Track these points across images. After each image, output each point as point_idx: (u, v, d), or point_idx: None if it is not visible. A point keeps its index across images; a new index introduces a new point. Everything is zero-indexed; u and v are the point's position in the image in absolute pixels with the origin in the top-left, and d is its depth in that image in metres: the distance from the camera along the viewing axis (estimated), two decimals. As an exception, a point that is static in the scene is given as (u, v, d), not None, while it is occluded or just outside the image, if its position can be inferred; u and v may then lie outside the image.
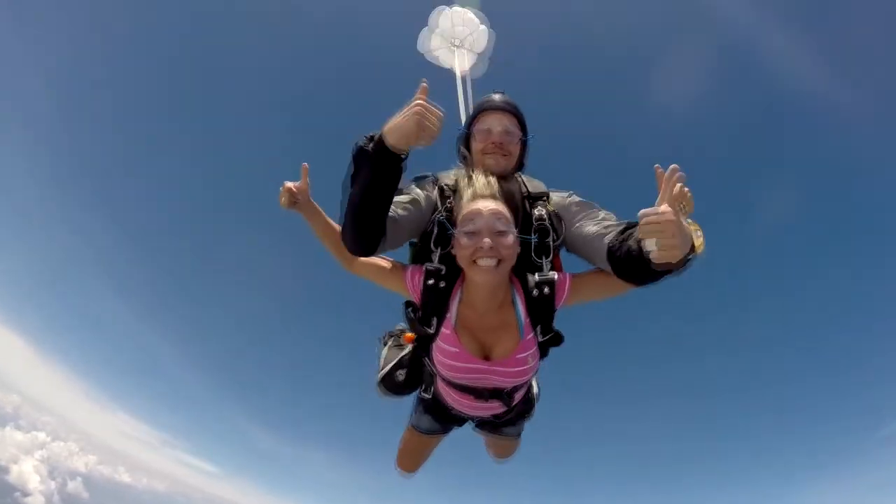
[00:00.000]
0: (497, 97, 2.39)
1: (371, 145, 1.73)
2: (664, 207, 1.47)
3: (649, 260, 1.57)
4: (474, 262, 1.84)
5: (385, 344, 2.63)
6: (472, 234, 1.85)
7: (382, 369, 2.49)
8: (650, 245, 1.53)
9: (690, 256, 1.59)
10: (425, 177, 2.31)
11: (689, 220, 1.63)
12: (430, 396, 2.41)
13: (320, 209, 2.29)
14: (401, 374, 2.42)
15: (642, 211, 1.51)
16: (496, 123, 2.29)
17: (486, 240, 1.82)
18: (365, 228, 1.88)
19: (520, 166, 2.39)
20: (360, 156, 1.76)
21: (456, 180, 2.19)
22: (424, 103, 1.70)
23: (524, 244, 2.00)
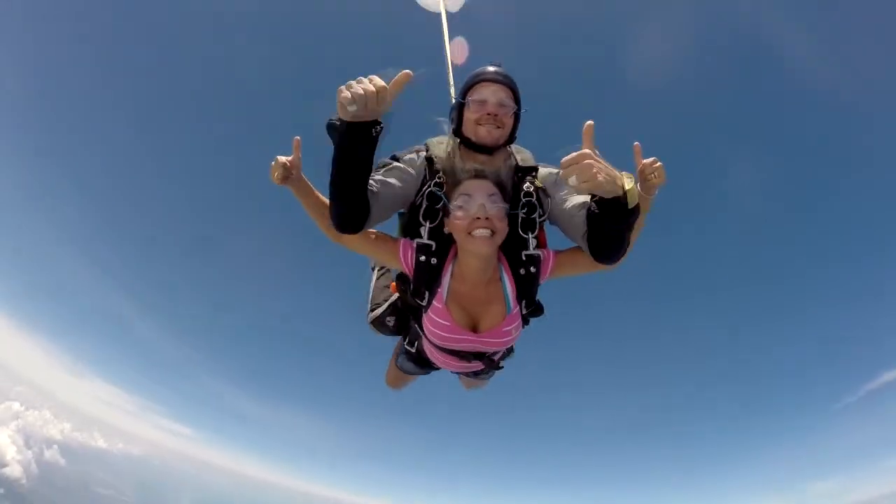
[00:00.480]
0: (493, 69, 2.39)
1: (336, 119, 1.84)
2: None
3: (592, 212, 1.86)
4: (469, 233, 1.96)
5: (373, 270, 2.76)
6: (467, 208, 1.98)
7: (373, 311, 2.63)
8: (572, 181, 1.72)
9: (623, 199, 1.78)
10: (413, 149, 2.36)
11: (625, 173, 1.83)
12: (415, 351, 2.57)
13: (310, 184, 2.26)
14: (391, 321, 2.58)
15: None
16: (491, 94, 2.30)
17: (482, 210, 1.95)
18: (347, 205, 1.99)
19: (511, 138, 2.41)
20: (329, 129, 1.89)
21: (446, 154, 2.29)
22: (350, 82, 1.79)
23: (511, 219, 2.10)
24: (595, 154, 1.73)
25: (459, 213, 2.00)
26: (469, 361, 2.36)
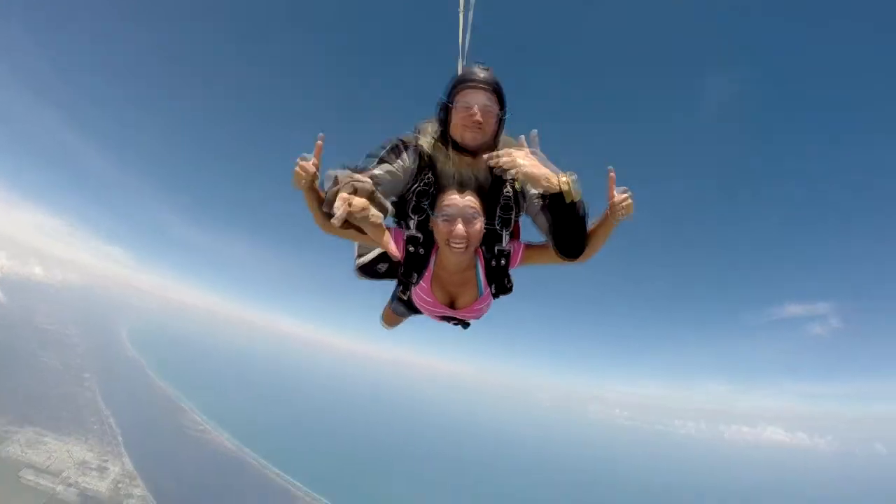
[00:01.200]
0: (481, 73, 2.51)
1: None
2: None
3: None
4: (447, 242, 2.38)
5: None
6: (447, 220, 2.37)
7: (362, 256, 2.98)
8: (509, 175, 2.37)
9: (563, 192, 2.30)
10: (406, 141, 2.55)
11: (568, 173, 2.35)
12: (407, 298, 2.95)
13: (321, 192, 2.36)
14: (382, 267, 2.96)
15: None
16: (478, 100, 2.47)
17: (460, 227, 2.35)
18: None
19: (494, 141, 2.61)
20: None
21: (434, 151, 2.55)
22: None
23: (489, 214, 2.51)
24: (527, 153, 2.32)
25: (441, 224, 2.38)
26: (450, 321, 2.86)
